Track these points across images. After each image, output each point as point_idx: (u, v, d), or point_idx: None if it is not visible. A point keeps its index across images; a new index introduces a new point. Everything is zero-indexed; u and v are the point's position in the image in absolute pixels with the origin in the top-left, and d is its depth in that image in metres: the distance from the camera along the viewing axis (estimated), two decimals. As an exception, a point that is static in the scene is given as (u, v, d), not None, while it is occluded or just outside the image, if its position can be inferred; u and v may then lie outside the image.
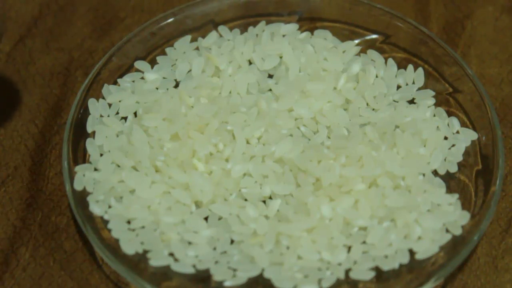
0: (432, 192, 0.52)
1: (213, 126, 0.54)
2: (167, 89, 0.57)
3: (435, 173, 0.54)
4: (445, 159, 0.55)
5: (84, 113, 0.56)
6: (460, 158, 0.55)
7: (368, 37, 0.60)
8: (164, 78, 0.58)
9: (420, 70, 0.59)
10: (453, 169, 0.54)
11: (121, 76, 0.58)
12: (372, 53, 0.59)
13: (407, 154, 0.54)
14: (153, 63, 0.59)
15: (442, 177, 0.54)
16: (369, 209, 0.51)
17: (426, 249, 0.51)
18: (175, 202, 0.52)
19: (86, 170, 0.53)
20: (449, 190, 0.53)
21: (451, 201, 0.52)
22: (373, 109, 0.57)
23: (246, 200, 0.53)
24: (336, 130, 0.56)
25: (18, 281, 0.53)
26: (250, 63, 0.59)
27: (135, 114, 0.56)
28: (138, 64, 0.58)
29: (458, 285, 0.53)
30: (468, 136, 0.56)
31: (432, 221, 0.51)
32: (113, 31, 0.64)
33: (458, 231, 0.51)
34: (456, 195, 0.53)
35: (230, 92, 0.57)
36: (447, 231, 0.51)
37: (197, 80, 0.57)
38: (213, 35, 0.60)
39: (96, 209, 0.52)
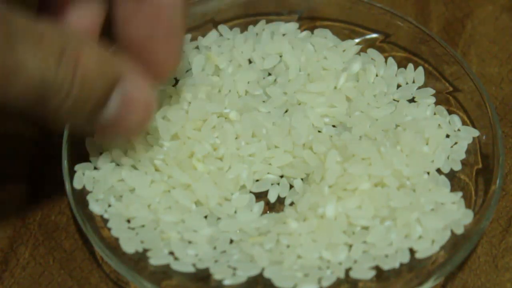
0: (437, 191, 0.52)
1: (211, 122, 0.54)
2: (166, 87, 0.57)
3: (438, 171, 0.54)
4: (448, 157, 0.55)
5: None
6: (463, 156, 0.55)
7: (368, 36, 0.60)
8: (163, 76, 0.58)
9: (420, 69, 0.58)
10: (457, 167, 0.54)
11: (120, 75, 0.58)
12: (372, 52, 0.59)
13: (411, 153, 0.53)
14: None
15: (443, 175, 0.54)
16: (372, 209, 0.51)
17: (426, 248, 0.51)
18: (175, 201, 0.52)
19: (85, 169, 0.53)
20: (450, 189, 0.53)
21: (455, 200, 0.52)
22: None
23: (251, 192, 0.54)
24: (339, 127, 0.56)
25: (17, 280, 0.53)
26: (250, 62, 0.59)
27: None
28: (138, 63, 0.58)
29: (458, 284, 0.53)
30: (470, 133, 0.55)
31: (433, 221, 0.51)
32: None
33: (460, 230, 0.51)
34: (460, 194, 0.52)
35: (229, 91, 0.57)
36: (450, 230, 0.51)
37: (196, 78, 0.57)
38: (213, 34, 0.60)
39: (95, 208, 0.52)
